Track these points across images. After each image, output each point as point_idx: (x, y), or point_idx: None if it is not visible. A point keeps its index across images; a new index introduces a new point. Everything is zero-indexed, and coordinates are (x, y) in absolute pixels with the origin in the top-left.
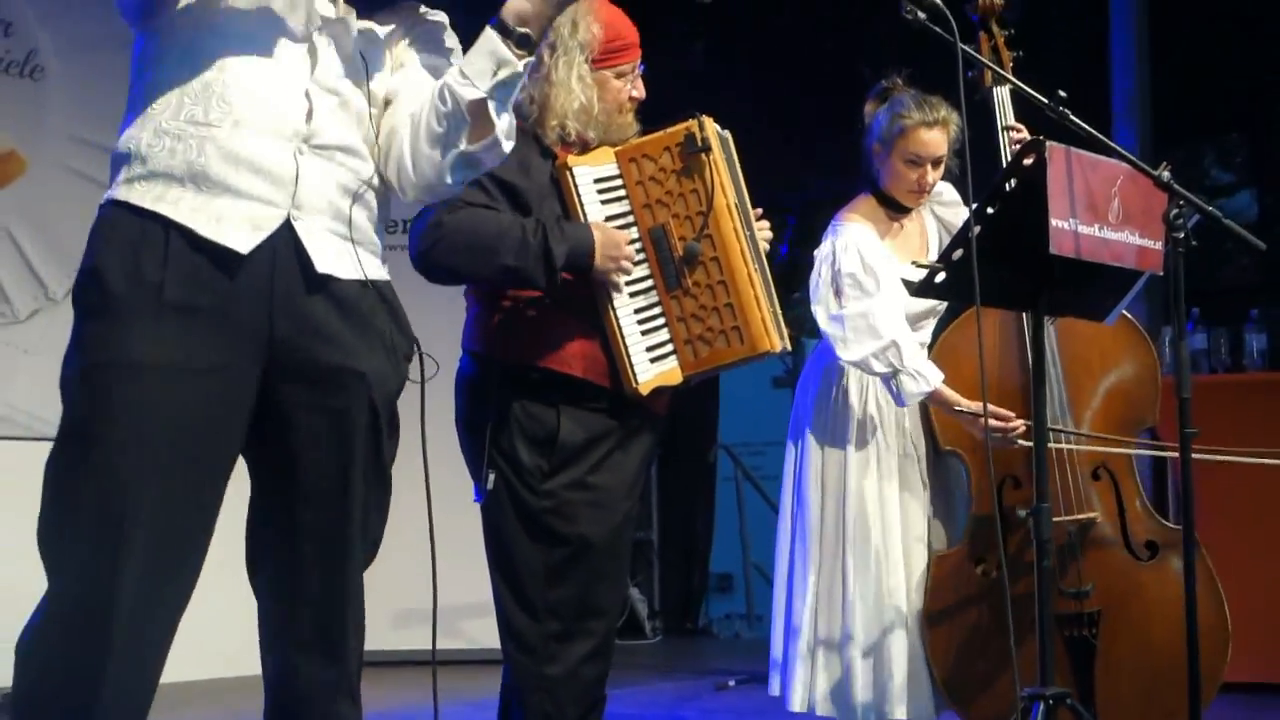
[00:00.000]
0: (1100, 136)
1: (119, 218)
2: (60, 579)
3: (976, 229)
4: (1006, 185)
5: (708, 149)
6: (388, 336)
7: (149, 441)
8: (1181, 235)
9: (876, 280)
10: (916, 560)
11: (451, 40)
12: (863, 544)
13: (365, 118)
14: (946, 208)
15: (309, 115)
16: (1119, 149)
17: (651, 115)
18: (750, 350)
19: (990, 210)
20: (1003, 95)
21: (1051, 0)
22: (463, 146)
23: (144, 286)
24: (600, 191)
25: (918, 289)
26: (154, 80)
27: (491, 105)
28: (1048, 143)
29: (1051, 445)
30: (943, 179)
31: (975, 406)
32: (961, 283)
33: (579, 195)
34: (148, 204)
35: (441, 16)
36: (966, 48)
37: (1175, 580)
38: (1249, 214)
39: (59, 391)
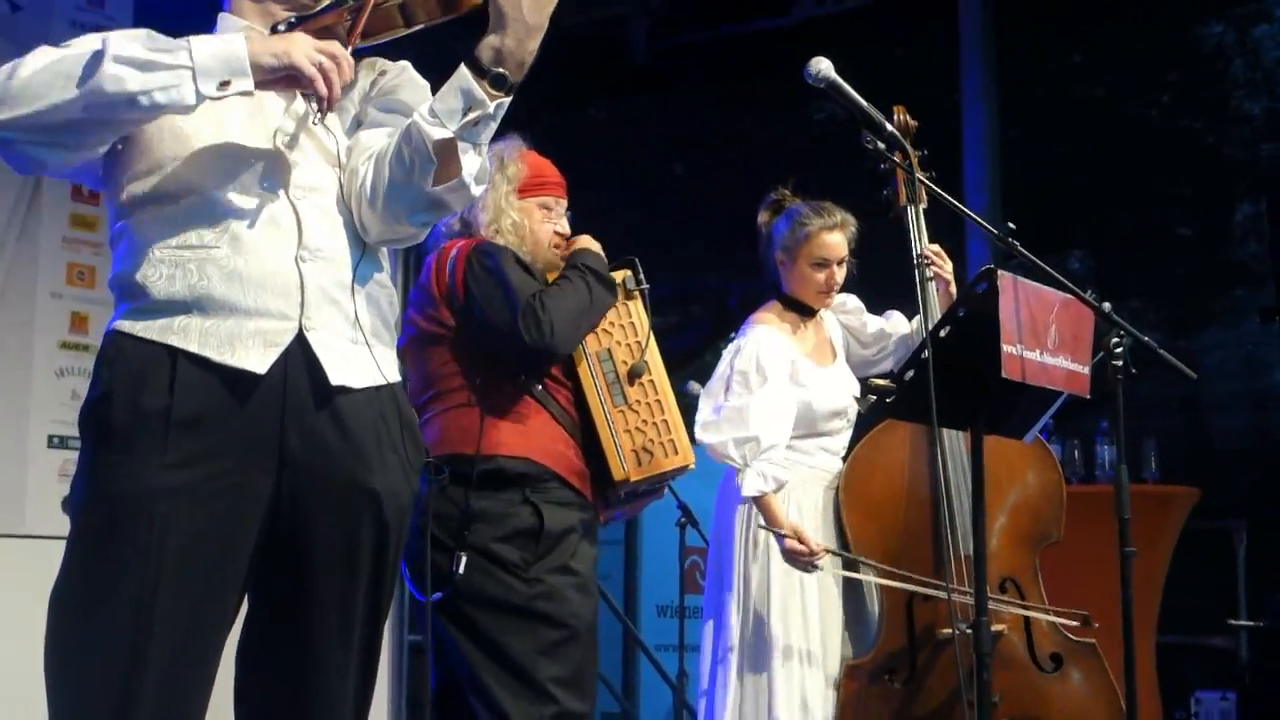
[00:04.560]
0: (1045, 267)
1: (125, 346)
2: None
3: (928, 352)
4: (959, 311)
5: (642, 288)
6: (401, 449)
7: (160, 577)
8: (1122, 363)
9: (764, 378)
10: (833, 665)
11: (416, 82)
12: (784, 636)
13: (344, 203)
14: (850, 315)
15: (299, 222)
16: (1060, 278)
17: None
18: (683, 461)
19: (942, 334)
20: (917, 214)
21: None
22: (428, 188)
23: (152, 413)
24: None
25: (872, 410)
26: (134, 221)
27: (461, 146)
28: (998, 271)
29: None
30: (842, 290)
31: (789, 526)
32: (911, 401)
33: None
34: (154, 336)
35: (399, 64)
36: (923, 176)
37: (1079, 691)
38: None
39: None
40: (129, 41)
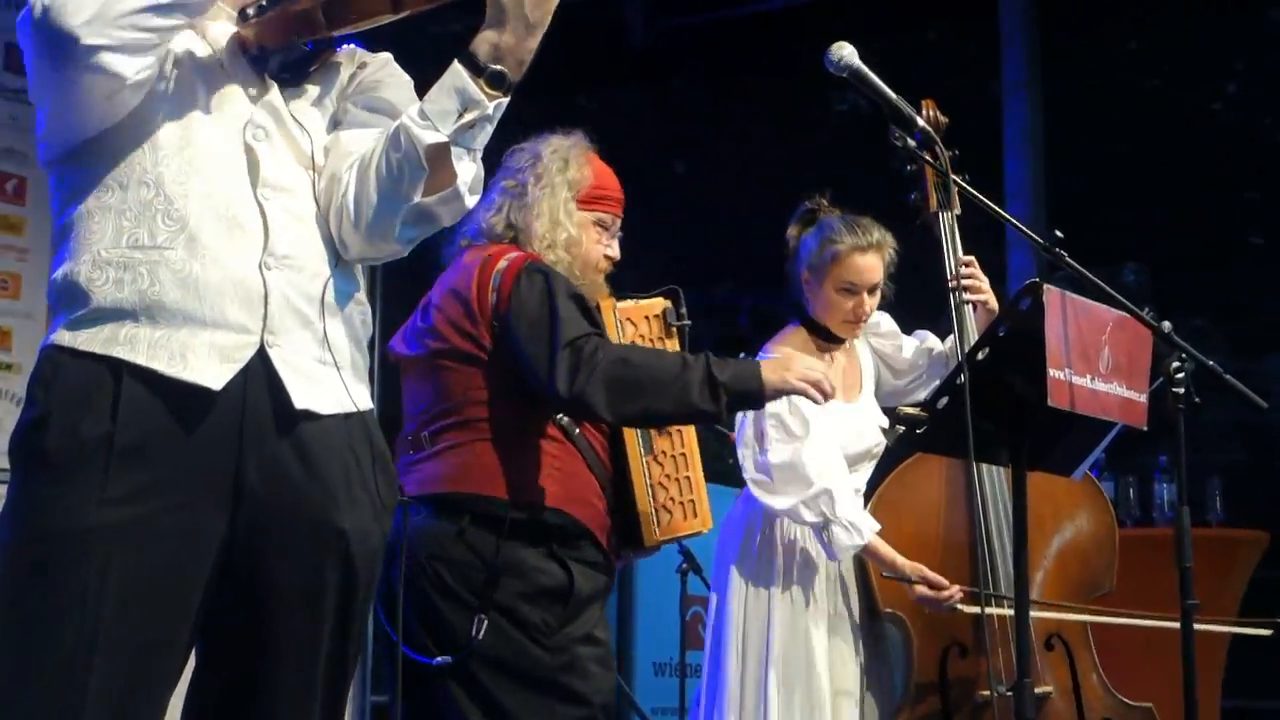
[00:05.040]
0: (1097, 280)
1: (63, 363)
2: None
3: (964, 377)
4: (999, 330)
5: (682, 324)
6: (372, 485)
7: (99, 625)
8: (1183, 390)
9: (805, 422)
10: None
11: (399, 78)
12: (786, 699)
13: (316, 205)
14: (884, 339)
15: (265, 225)
16: (1114, 294)
17: None
18: (701, 526)
19: (980, 356)
20: (950, 221)
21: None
22: (417, 199)
23: (93, 440)
24: None
25: (899, 443)
26: (83, 209)
27: (455, 151)
28: (1044, 286)
29: (995, 610)
30: (879, 307)
31: (912, 567)
32: (944, 434)
33: None
34: (97, 349)
35: (381, 56)
36: (958, 179)
37: None
38: None
39: None
40: None
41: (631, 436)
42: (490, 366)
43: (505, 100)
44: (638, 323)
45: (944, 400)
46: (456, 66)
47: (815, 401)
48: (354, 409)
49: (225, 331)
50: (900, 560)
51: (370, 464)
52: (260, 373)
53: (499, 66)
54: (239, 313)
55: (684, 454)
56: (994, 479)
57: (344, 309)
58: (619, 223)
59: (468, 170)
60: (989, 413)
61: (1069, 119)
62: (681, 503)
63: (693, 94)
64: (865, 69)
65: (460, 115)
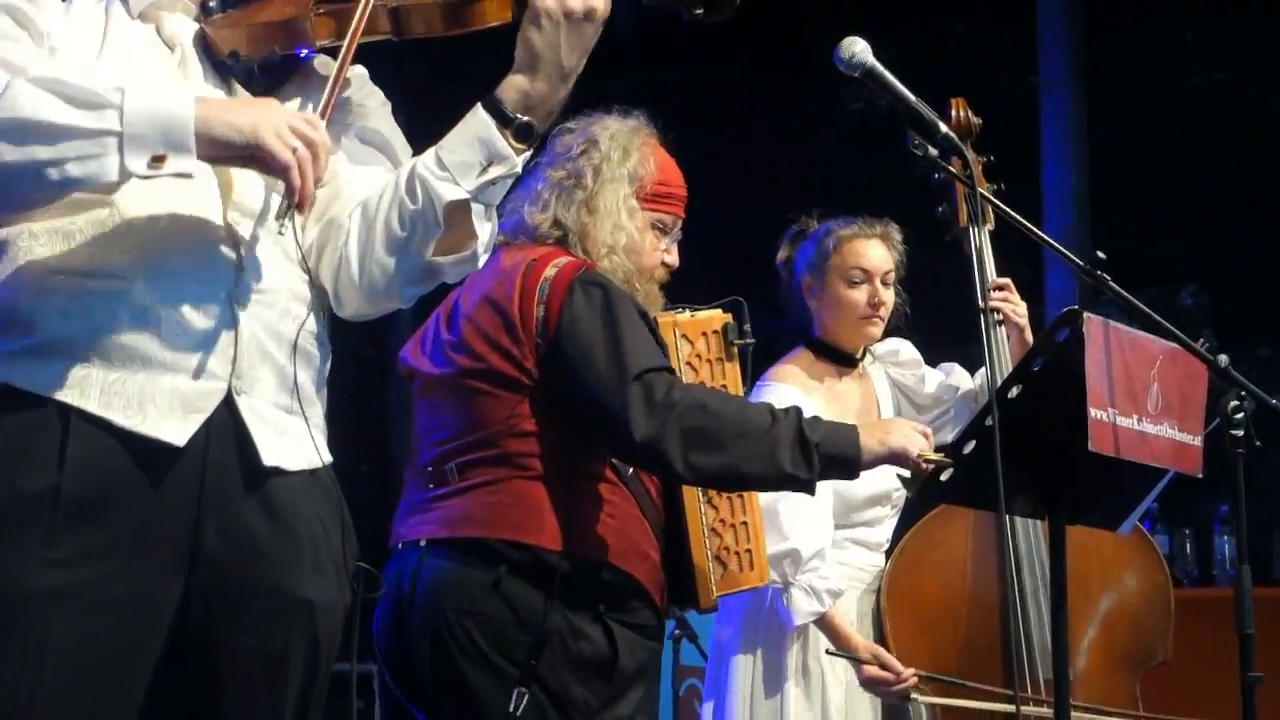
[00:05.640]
0: (1145, 308)
1: (2, 402)
2: None
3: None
4: (1034, 364)
5: (746, 342)
6: (339, 552)
7: (35, 702)
8: (1243, 433)
9: None
10: None
11: (382, 102)
12: None
13: (294, 236)
14: (904, 368)
15: (238, 253)
16: (1165, 323)
17: None
18: (759, 580)
19: (1012, 394)
20: (981, 238)
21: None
22: (427, 257)
23: (35, 494)
24: None
25: (920, 492)
26: (26, 226)
27: (475, 210)
28: (1084, 314)
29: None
30: (893, 334)
31: (865, 646)
32: (972, 483)
33: None
34: (41, 390)
35: (357, 72)
36: (986, 190)
37: None
38: None
39: None
40: (40, 95)
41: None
42: (535, 393)
43: (528, 154)
44: (694, 339)
45: (971, 444)
46: (482, 115)
47: (916, 473)
48: (319, 464)
49: (189, 377)
50: (855, 638)
51: (337, 527)
52: (226, 424)
53: (528, 118)
54: (204, 355)
55: (741, 496)
56: (1029, 534)
57: (311, 349)
58: (680, 224)
59: (485, 230)
60: (1022, 459)
61: (1116, 119)
62: (738, 552)
63: (684, 90)
64: (880, 67)
65: (484, 169)
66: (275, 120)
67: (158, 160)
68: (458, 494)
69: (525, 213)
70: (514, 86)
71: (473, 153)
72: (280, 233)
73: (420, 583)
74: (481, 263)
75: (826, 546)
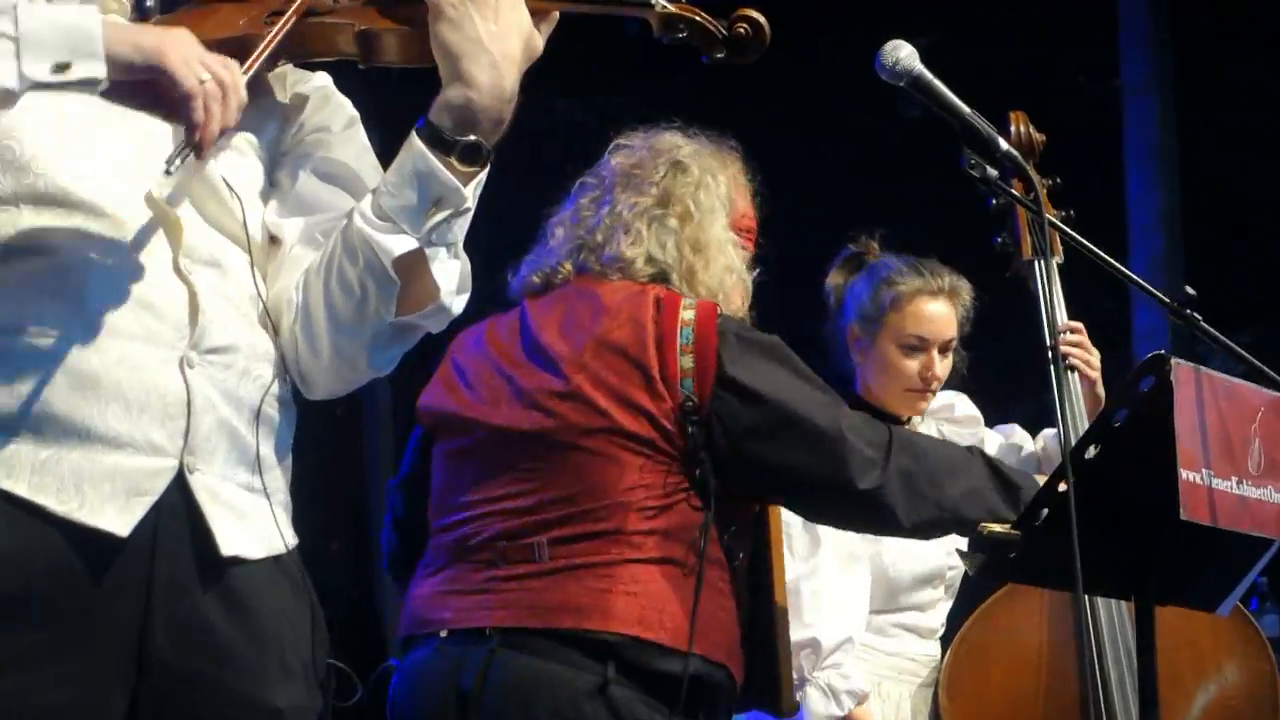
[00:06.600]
0: (1242, 352)
1: None
2: None
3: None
4: (1114, 419)
5: None
6: (305, 647)
7: None
8: None
9: (815, 542)
10: None
11: (348, 120)
12: None
13: (254, 287)
14: (959, 425)
15: (192, 307)
16: (1267, 370)
17: None
18: None
19: (1088, 455)
20: (1049, 272)
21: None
22: (390, 318)
23: None
24: None
25: (982, 570)
26: None
27: (431, 254)
28: (1172, 360)
29: None
30: (947, 386)
31: None
32: (1044, 559)
33: None
34: None
35: (317, 81)
36: (1054, 216)
37: None
38: None
39: None
40: None
41: (781, 559)
42: (673, 461)
43: (484, 175)
44: None
45: (1043, 513)
46: (416, 145)
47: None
48: (284, 549)
49: (133, 453)
50: None
51: (306, 621)
52: (178, 508)
53: (473, 137)
54: (151, 426)
55: None
56: (1113, 617)
57: (275, 417)
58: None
59: (450, 273)
60: (1102, 530)
61: (1209, 131)
62: None
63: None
64: (929, 75)
65: (431, 210)
66: (184, 47)
67: (61, 68)
68: (548, 575)
69: (620, 245)
70: (447, 104)
71: (414, 192)
72: (168, 173)
73: (494, 680)
74: (457, 305)
75: (855, 636)
